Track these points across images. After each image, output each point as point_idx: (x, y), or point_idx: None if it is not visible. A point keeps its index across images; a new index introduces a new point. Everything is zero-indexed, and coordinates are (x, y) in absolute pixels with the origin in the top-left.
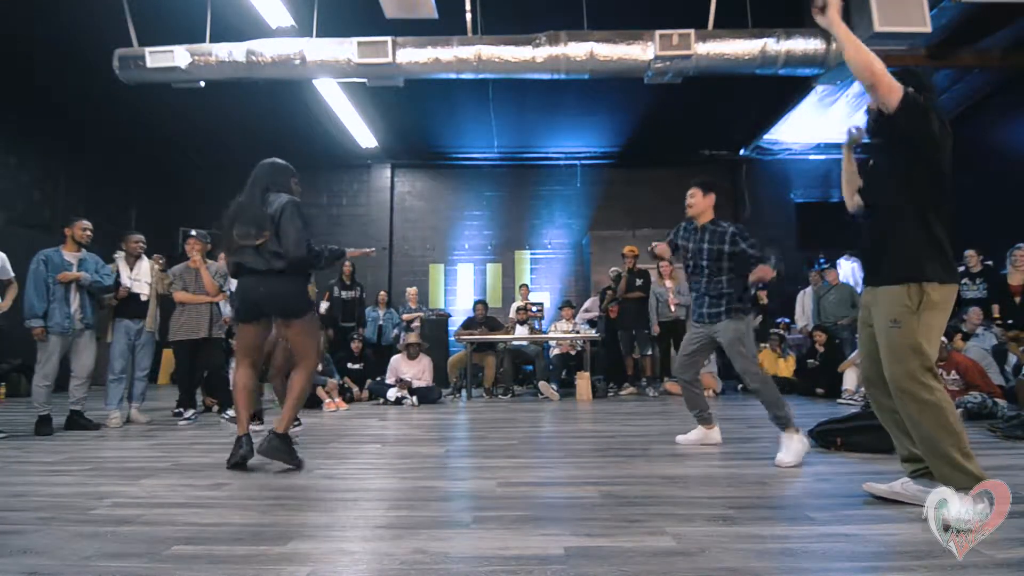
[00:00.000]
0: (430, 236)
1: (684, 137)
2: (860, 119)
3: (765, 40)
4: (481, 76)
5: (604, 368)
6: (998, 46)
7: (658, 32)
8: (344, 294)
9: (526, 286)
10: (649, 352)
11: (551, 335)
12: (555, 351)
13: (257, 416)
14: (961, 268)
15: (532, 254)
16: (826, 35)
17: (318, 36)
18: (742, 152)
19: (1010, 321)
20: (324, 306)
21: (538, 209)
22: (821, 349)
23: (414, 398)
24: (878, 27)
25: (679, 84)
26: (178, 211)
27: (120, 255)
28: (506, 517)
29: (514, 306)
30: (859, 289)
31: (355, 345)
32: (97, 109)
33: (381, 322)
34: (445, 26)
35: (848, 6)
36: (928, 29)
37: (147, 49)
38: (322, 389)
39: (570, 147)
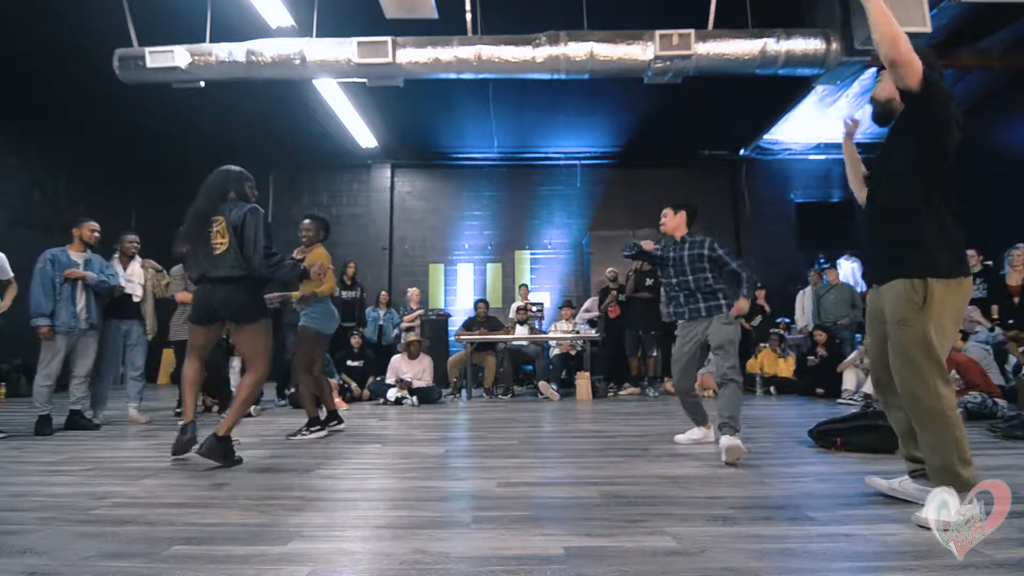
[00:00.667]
0: (430, 236)
1: (684, 137)
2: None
3: (765, 40)
4: (481, 76)
5: (604, 368)
6: (998, 46)
7: (658, 32)
8: (345, 294)
9: (525, 286)
10: (654, 353)
11: (551, 335)
12: (555, 351)
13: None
14: None
15: (532, 254)
16: (826, 35)
17: (318, 36)
18: (742, 152)
19: (1011, 321)
20: None
21: (538, 209)
22: (823, 352)
23: (414, 398)
24: None
25: (679, 84)
26: (178, 211)
27: (114, 256)
28: (506, 517)
29: (514, 306)
30: (859, 289)
31: (355, 340)
32: (97, 109)
33: (382, 322)
34: (445, 26)
35: (848, 7)
36: (928, 29)
37: (147, 49)
38: None
39: (570, 147)
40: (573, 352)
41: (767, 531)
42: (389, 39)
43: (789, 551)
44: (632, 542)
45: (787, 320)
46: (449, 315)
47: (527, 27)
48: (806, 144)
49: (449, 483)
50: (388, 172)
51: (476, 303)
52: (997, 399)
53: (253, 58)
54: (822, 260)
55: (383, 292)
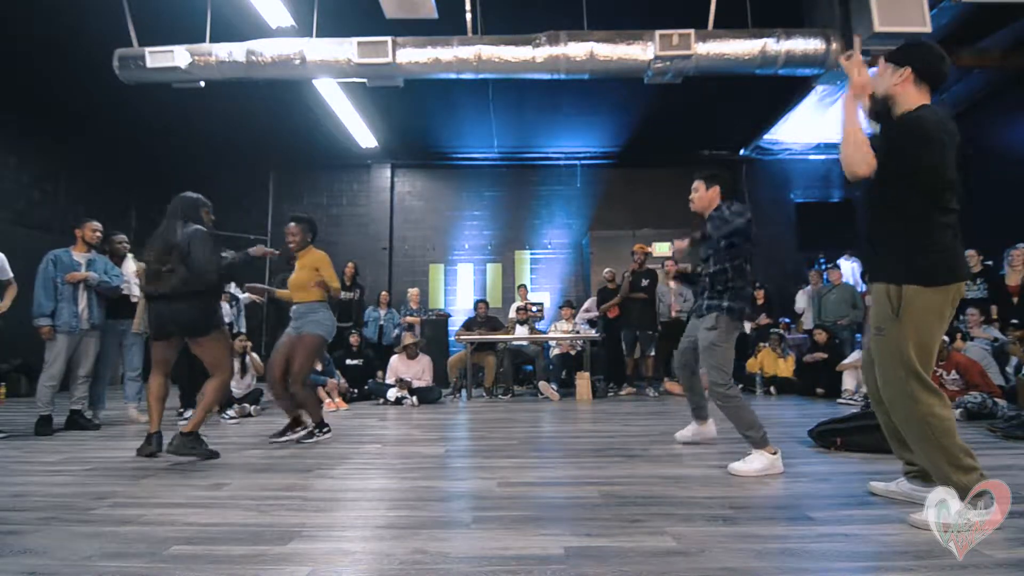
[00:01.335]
0: (430, 236)
1: (684, 137)
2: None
3: (765, 40)
4: (481, 76)
5: (604, 368)
6: (998, 46)
7: (658, 32)
8: (343, 295)
9: (524, 286)
10: (652, 352)
11: (551, 335)
12: (555, 351)
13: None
14: None
15: (532, 254)
16: (826, 35)
17: (318, 36)
18: (742, 152)
19: (1014, 321)
20: None
21: (538, 209)
22: (822, 354)
23: (414, 398)
24: (878, 27)
25: (679, 84)
26: None
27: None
28: (506, 517)
29: (514, 306)
30: (860, 288)
31: (353, 339)
32: (97, 109)
33: (382, 322)
34: (445, 26)
35: (848, 7)
36: (928, 29)
37: (147, 49)
38: (322, 389)
39: (570, 147)
40: (573, 352)
41: (767, 531)
42: (389, 39)
43: (789, 551)
44: (632, 542)
45: (787, 320)
46: (449, 315)
47: (527, 27)
48: (806, 144)
49: (449, 483)
50: (388, 172)
51: (476, 303)
52: (997, 399)
53: (253, 58)
54: (822, 260)
55: (383, 292)
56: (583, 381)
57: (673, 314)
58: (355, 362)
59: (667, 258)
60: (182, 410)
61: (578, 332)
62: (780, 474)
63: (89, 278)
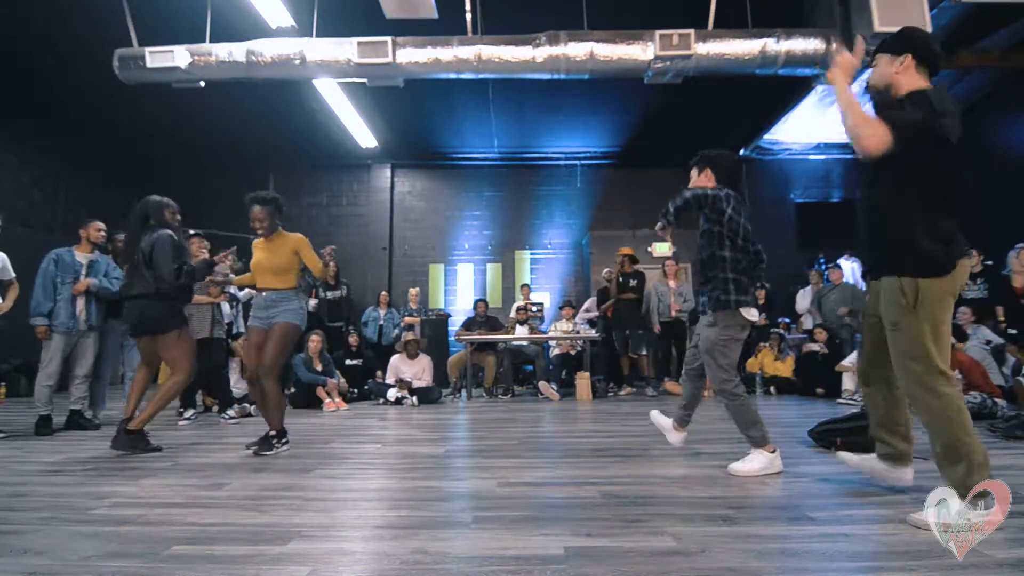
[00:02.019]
0: (430, 236)
1: (684, 137)
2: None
3: (765, 40)
4: (481, 76)
5: (604, 368)
6: (998, 46)
7: (658, 32)
8: (329, 294)
9: (527, 286)
10: (644, 352)
11: (551, 335)
12: (555, 351)
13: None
14: None
15: (532, 254)
16: (826, 35)
17: (318, 36)
18: (742, 152)
19: (1013, 331)
20: (312, 303)
21: (538, 209)
22: (824, 349)
23: (414, 398)
24: (878, 27)
25: (679, 84)
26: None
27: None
28: (506, 517)
29: (514, 306)
30: (861, 287)
31: (353, 339)
32: (97, 109)
33: (382, 322)
34: (445, 26)
35: (848, 7)
36: (928, 29)
37: (147, 49)
38: (322, 389)
39: (570, 147)
40: (573, 352)
41: (767, 531)
42: (389, 39)
43: (789, 551)
44: (632, 542)
45: (787, 320)
46: (449, 315)
47: (527, 27)
48: (806, 144)
49: (449, 483)
50: (388, 172)
51: (476, 303)
52: (997, 399)
53: (253, 58)
54: (822, 260)
55: (383, 292)
56: (583, 381)
57: (673, 314)
58: (355, 362)
59: (667, 258)
60: (182, 410)
61: (578, 332)
62: (780, 473)
63: (90, 285)
